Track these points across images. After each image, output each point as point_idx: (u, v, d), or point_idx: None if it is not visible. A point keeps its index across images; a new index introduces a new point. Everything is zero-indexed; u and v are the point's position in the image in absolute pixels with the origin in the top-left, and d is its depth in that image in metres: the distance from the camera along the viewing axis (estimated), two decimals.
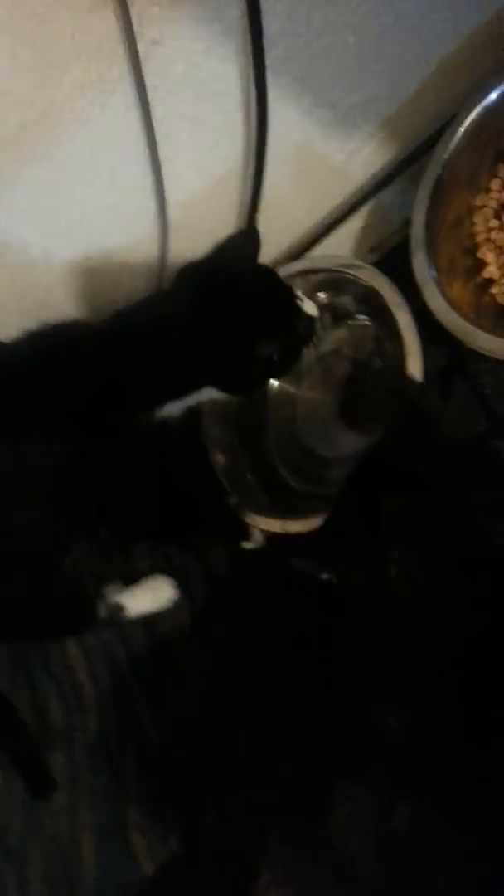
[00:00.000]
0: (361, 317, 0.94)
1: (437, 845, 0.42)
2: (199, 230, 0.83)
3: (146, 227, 0.87)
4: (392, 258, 1.00)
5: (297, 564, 0.66)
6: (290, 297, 0.75)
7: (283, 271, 0.94)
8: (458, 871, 0.42)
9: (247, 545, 1.04)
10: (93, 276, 0.88)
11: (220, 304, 0.73)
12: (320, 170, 0.93)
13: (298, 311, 0.75)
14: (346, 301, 0.93)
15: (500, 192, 0.83)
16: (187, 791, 0.82)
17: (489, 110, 0.77)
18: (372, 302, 0.89)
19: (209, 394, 0.78)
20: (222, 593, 1.18)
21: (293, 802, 0.51)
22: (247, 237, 0.82)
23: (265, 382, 0.97)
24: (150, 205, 0.84)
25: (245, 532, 1.02)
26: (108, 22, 0.66)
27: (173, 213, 0.85)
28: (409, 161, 0.96)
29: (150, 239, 0.88)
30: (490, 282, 0.83)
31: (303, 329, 0.76)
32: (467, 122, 0.78)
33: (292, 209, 0.97)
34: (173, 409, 0.78)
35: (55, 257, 0.83)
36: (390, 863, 0.43)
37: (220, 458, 0.94)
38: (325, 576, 0.65)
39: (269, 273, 0.78)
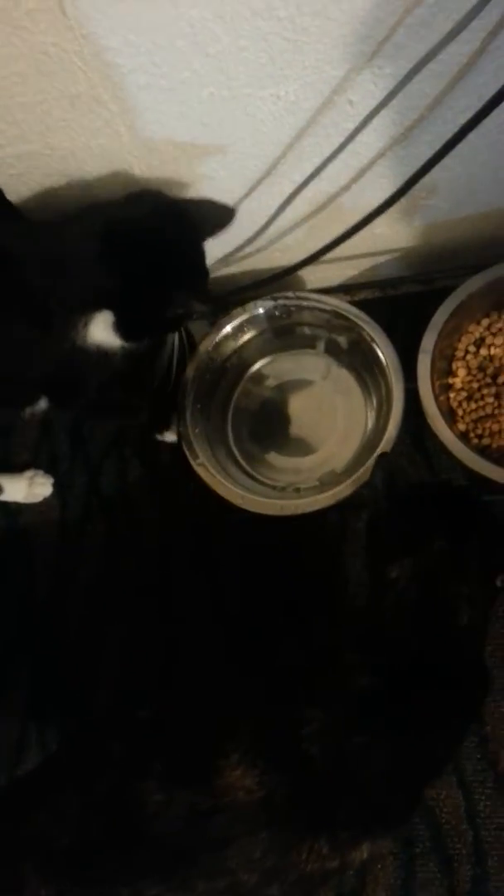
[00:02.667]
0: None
1: (379, 762, 0.62)
2: None
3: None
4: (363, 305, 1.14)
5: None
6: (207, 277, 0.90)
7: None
8: (391, 775, 0.62)
9: (160, 437, 1.15)
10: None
11: (159, 242, 0.84)
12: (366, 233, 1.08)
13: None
14: (342, 341, 1.10)
15: (486, 328, 1.06)
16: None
17: None
18: (364, 352, 1.07)
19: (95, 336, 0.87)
20: (105, 511, 1.25)
21: (266, 704, 0.65)
22: (221, 211, 0.94)
23: (152, 334, 0.97)
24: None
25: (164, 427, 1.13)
26: (333, 75, 0.78)
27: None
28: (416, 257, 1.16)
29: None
30: (450, 386, 1.06)
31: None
32: (498, 274, 1.01)
33: (316, 241, 1.07)
34: None
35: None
36: (341, 764, 0.60)
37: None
38: None
39: (202, 248, 0.90)
